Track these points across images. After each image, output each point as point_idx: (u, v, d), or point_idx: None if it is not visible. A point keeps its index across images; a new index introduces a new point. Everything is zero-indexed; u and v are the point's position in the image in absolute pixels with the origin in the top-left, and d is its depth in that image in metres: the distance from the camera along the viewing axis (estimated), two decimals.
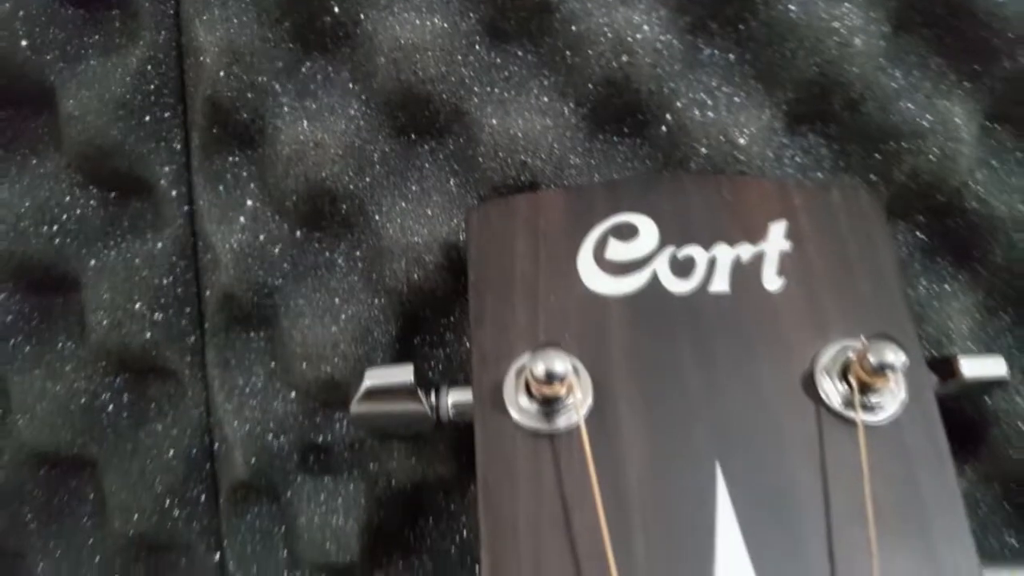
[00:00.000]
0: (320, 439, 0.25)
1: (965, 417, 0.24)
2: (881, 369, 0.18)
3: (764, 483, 0.17)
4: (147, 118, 0.25)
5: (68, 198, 0.25)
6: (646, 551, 0.17)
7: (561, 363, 0.17)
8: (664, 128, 0.24)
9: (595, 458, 0.18)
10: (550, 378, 0.17)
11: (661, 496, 0.17)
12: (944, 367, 0.20)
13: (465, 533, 0.25)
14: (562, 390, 0.18)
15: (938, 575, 0.17)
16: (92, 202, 0.25)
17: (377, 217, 0.24)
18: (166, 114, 0.25)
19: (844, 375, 0.18)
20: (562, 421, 0.18)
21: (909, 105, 0.23)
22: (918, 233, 0.25)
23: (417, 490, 0.25)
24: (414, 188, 0.25)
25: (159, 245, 0.25)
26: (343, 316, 0.24)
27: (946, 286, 0.24)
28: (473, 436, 0.19)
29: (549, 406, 0.18)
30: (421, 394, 0.20)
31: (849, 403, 0.18)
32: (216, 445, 0.25)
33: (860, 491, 0.17)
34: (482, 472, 0.18)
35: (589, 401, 0.18)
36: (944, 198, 0.24)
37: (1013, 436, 0.23)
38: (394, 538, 0.25)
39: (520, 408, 0.18)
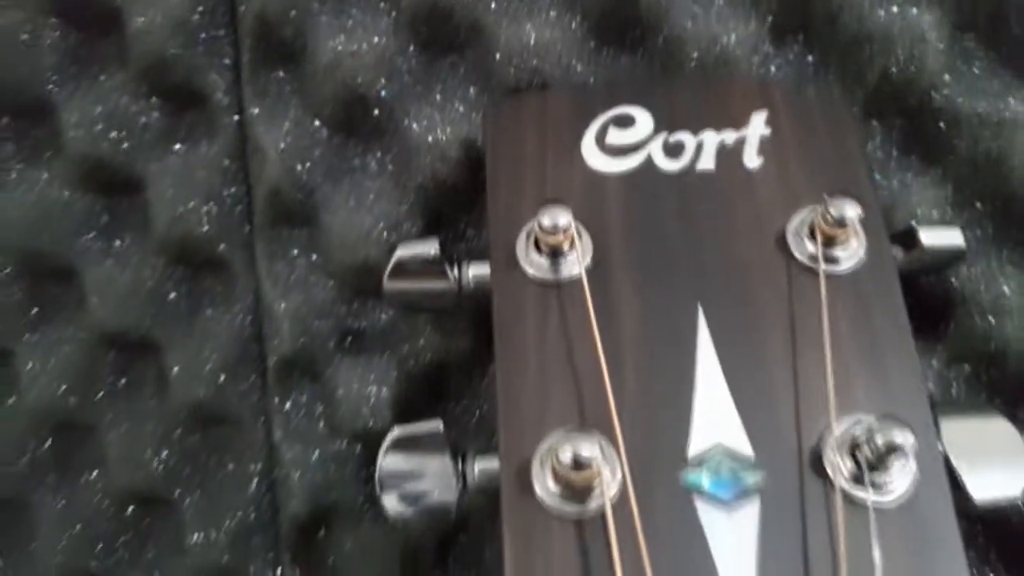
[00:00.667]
0: (356, 324, 0.29)
1: (934, 300, 0.27)
2: (841, 221, 0.20)
3: (739, 321, 0.20)
4: (203, 36, 0.28)
5: (134, 108, 0.28)
6: (637, 377, 0.20)
7: (564, 216, 0.20)
8: (661, 39, 0.27)
9: (594, 302, 0.20)
10: (555, 229, 0.20)
11: (651, 333, 0.20)
12: (906, 237, 0.23)
13: (484, 407, 0.29)
14: (565, 243, 0.21)
15: (886, 394, 0.19)
16: (155, 112, 0.29)
17: (405, 121, 0.27)
18: (220, 32, 0.29)
19: (811, 234, 0.21)
20: (566, 272, 0.21)
21: (881, 13, 0.25)
22: (893, 133, 0.27)
23: (442, 369, 0.28)
24: (438, 96, 0.27)
25: (213, 149, 0.29)
26: (376, 211, 0.27)
27: (917, 180, 0.27)
28: (491, 314, 0.22)
29: (555, 259, 0.21)
30: (446, 266, 0.23)
31: (814, 257, 0.21)
32: (264, 329, 0.29)
33: (820, 328, 0.20)
34: (498, 319, 0.21)
35: (589, 257, 0.21)
36: (915, 100, 0.26)
37: (977, 315, 0.26)
38: (421, 412, 0.28)
39: (531, 262, 0.21)
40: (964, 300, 0.27)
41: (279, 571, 0.29)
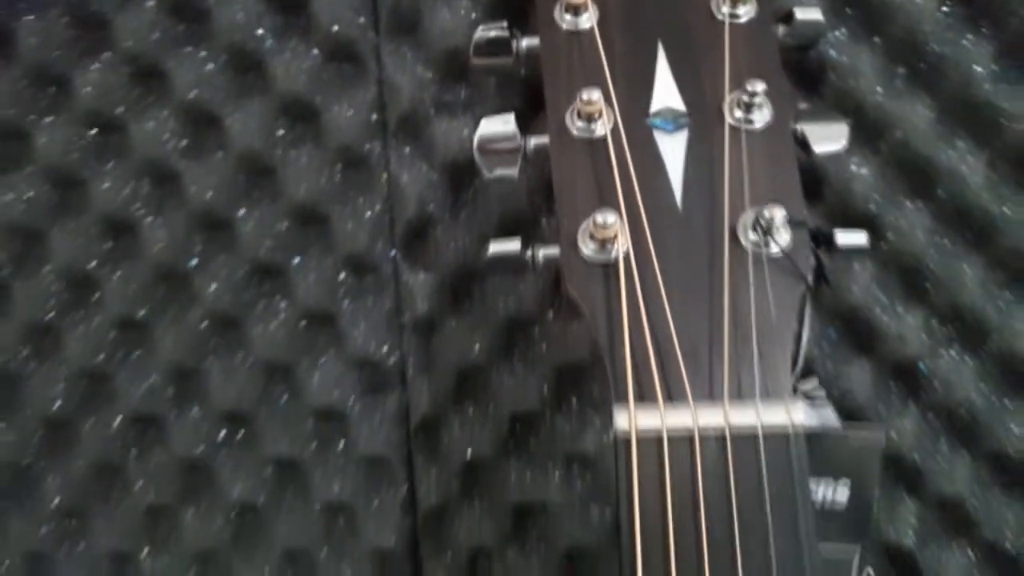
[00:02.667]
0: (447, 97, 0.43)
1: (810, 69, 0.41)
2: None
3: (687, 56, 0.34)
4: None
5: None
6: (627, 85, 0.34)
7: None
8: None
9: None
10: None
11: (624, 64, 0.34)
12: (784, 16, 0.36)
13: None
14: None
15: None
16: None
17: None
18: None
19: None
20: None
21: None
22: None
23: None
24: None
25: None
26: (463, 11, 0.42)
27: None
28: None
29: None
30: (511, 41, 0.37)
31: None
32: (386, 98, 0.43)
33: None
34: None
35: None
36: None
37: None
38: None
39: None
40: (833, 67, 0.41)
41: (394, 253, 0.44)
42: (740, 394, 0.26)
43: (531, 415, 0.44)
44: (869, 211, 0.41)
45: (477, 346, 0.44)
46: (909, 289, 0.42)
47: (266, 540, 0.46)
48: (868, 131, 0.41)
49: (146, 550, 0.46)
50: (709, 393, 0.26)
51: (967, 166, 0.41)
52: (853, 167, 0.42)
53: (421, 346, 0.44)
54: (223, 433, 0.46)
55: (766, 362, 0.27)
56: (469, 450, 0.44)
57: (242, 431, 0.46)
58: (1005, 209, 0.41)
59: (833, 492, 0.32)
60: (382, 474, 0.46)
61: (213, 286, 0.45)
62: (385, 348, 0.45)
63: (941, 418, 0.42)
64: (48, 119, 0.46)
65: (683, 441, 0.25)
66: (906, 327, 0.41)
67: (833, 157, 0.36)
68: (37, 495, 0.46)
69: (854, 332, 0.42)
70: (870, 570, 0.33)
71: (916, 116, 0.41)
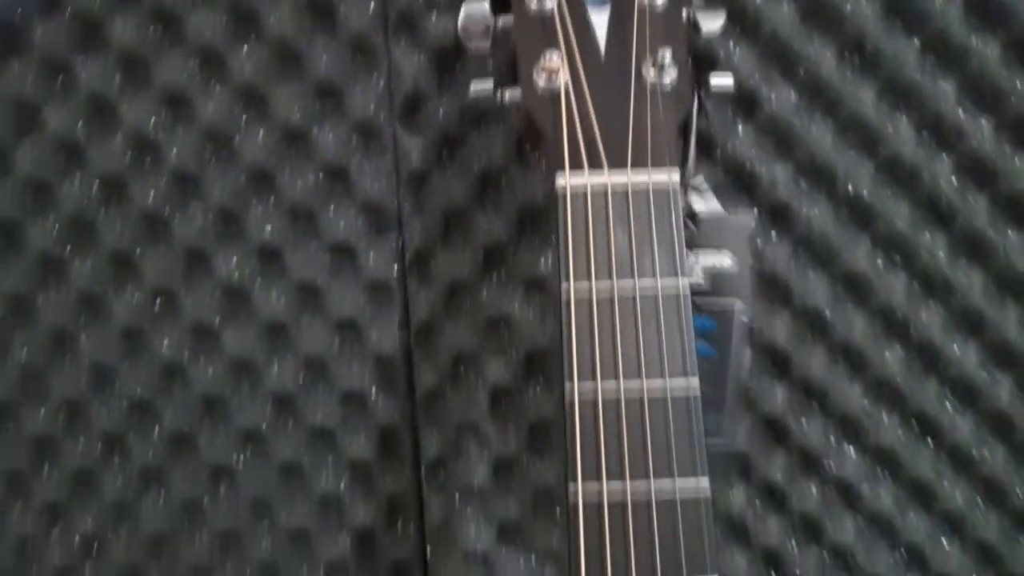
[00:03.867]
0: None
1: None
2: None
3: None
4: None
5: None
6: None
7: None
8: None
9: None
10: None
11: None
12: None
13: None
14: None
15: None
16: None
17: None
18: None
19: None
20: None
21: None
22: None
23: None
24: None
25: None
26: None
27: None
28: None
29: None
30: None
31: None
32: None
33: None
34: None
35: None
36: None
37: None
38: None
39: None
40: None
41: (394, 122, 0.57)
42: (639, 164, 0.39)
43: (501, 245, 0.57)
44: (750, 86, 0.55)
45: (459, 193, 0.57)
46: (781, 147, 0.56)
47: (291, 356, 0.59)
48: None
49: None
50: (620, 163, 0.39)
51: (823, 55, 0.55)
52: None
53: (415, 194, 0.57)
54: (255, 264, 0.59)
55: (657, 151, 0.40)
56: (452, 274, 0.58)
57: (274, 262, 0.59)
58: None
59: (719, 260, 0.45)
60: (383, 295, 0.59)
61: (253, 147, 0.57)
62: (386, 196, 0.57)
63: (801, 244, 0.57)
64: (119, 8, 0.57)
65: (599, 196, 0.39)
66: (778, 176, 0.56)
67: (721, 42, 0.50)
68: None
69: (738, 179, 0.56)
70: (745, 319, 0.47)
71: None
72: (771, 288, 0.57)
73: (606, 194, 0.39)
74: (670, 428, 0.37)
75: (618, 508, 0.37)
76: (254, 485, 0.61)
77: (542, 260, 0.58)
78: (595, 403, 0.37)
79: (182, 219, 0.58)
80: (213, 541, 0.62)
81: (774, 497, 0.60)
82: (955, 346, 0.58)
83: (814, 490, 0.60)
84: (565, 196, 0.39)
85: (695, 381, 0.37)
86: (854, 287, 0.57)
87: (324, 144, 0.57)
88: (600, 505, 0.37)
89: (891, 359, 0.58)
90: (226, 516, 0.62)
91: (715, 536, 0.43)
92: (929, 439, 0.59)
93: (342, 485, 0.61)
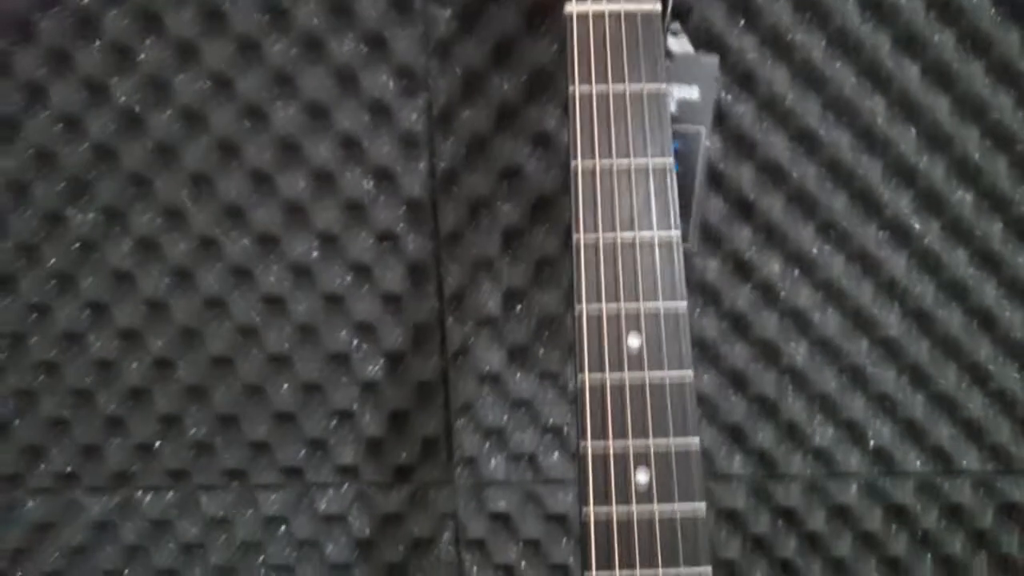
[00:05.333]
0: None
1: None
2: None
3: None
4: None
5: None
6: None
7: None
8: None
9: None
10: None
11: None
12: None
13: None
14: None
15: None
16: None
17: None
18: None
19: None
20: None
21: None
22: None
23: None
24: None
25: None
26: None
27: None
28: None
29: None
30: None
31: None
32: None
33: None
34: None
35: None
36: None
37: None
38: None
39: None
40: None
41: None
42: None
43: (514, 105, 0.68)
44: None
45: (481, 59, 0.67)
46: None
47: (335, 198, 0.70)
48: None
49: None
50: None
51: None
52: None
53: (442, 60, 0.68)
54: (306, 119, 0.69)
55: None
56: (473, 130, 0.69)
57: (322, 118, 0.69)
58: None
59: (688, 92, 0.56)
60: (412, 147, 0.69)
61: (307, 17, 0.67)
62: (418, 60, 0.68)
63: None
64: None
65: (599, 19, 0.50)
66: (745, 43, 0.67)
67: None
68: None
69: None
70: (707, 143, 0.58)
71: None
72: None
73: (604, 18, 0.49)
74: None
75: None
76: (303, 313, 0.72)
77: (551, 120, 0.68)
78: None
79: (244, 80, 0.68)
80: (265, 363, 0.73)
81: (739, 324, 0.72)
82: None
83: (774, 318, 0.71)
84: (572, 19, 0.49)
85: (670, 160, 0.48)
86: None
87: (365, 14, 0.67)
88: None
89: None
90: (277, 340, 0.72)
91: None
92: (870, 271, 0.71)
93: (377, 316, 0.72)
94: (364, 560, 0.77)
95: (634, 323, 0.47)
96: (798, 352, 0.72)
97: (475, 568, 0.76)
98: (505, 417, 0.74)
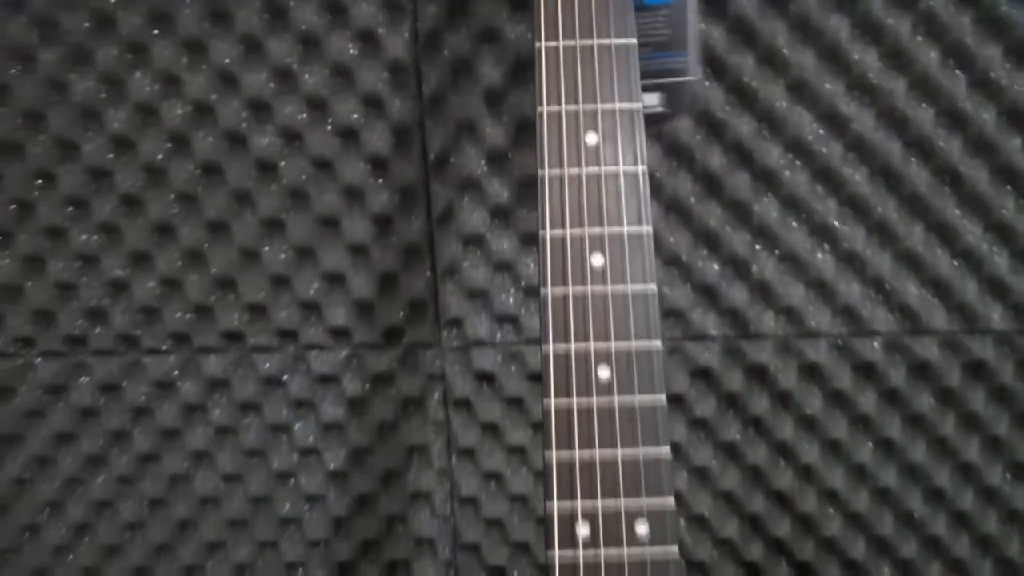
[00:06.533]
0: None
1: None
2: None
3: None
4: None
5: None
6: None
7: None
8: None
9: None
10: None
11: None
12: None
13: None
14: None
15: None
16: None
17: None
18: None
19: None
20: None
21: None
22: None
23: None
24: None
25: None
26: None
27: None
28: None
29: None
30: None
31: None
32: None
33: None
34: None
35: None
36: None
37: None
38: None
39: None
40: None
41: None
42: None
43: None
44: None
45: None
46: None
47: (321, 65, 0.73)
48: None
49: None
50: None
51: None
52: None
53: None
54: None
55: None
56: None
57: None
58: None
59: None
60: (397, 8, 0.72)
61: None
62: None
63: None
64: None
65: None
66: None
67: None
68: None
69: None
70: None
71: None
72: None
73: None
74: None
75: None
76: (295, 176, 0.75)
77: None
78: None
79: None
80: (260, 226, 0.76)
81: (713, 185, 0.74)
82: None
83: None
84: None
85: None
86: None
87: None
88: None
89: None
90: (270, 204, 0.76)
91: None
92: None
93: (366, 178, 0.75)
94: (357, 419, 0.81)
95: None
96: (769, 212, 0.74)
97: (462, 426, 0.80)
98: (489, 279, 0.77)
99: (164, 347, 0.79)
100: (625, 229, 0.47)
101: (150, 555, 0.84)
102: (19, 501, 0.83)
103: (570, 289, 0.47)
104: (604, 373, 0.46)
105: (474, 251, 0.77)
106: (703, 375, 0.78)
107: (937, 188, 0.73)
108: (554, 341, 0.47)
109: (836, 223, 0.74)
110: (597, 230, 0.47)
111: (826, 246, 0.75)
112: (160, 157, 0.75)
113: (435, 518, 0.81)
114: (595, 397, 0.46)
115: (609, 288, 0.47)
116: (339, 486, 0.81)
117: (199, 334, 0.79)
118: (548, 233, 0.47)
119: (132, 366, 0.80)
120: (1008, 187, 0.73)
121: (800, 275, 0.76)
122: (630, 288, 0.47)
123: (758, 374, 0.77)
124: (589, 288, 0.47)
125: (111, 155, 0.75)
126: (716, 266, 0.76)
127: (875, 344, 0.76)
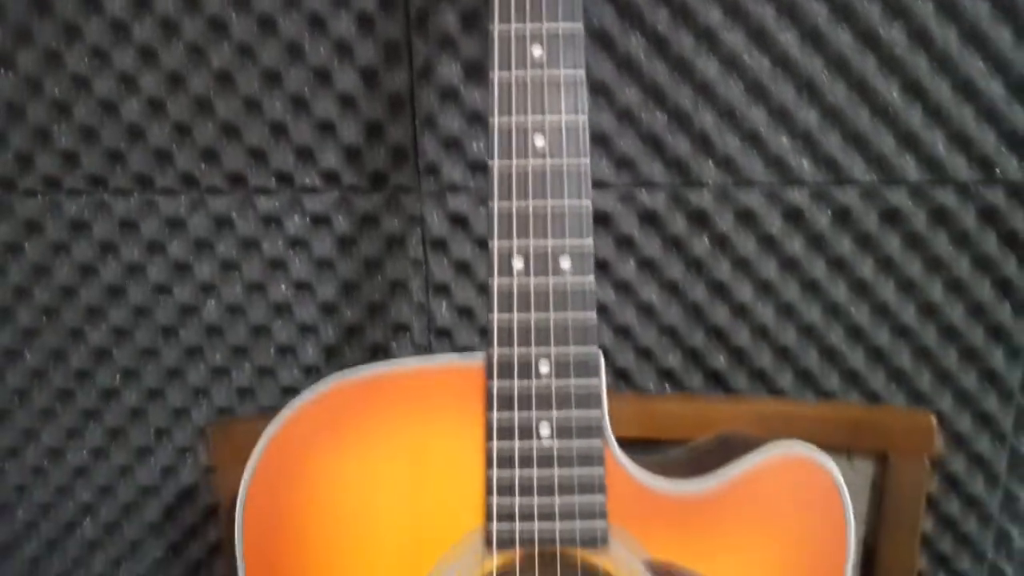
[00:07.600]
0: None
1: None
2: None
3: None
4: None
5: None
6: None
7: None
8: None
9: None
10: None
11: None
12: None
13: None
14: None
15: None
16: None
17: None
18: None
19: None
20: None
21: None
22: None
23: None
24: None
25: None
26: None
27: None
28: None
29: None
30: None
31: None
32: None
33: None
34: None
35: None
36: None
37: None
38: None
39: None
40: None
41: None
42: None
43: None
44: None
45: None
46: None
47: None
48: None
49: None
50: None
51: None
52: None
53: None
54: None
55: None
56: None
57: None
58: None
59: None
60: None
61: None
62: None
63: None
64: None
65: None
66: None
67: None
68: None
69: None
70: None
71: None
72: None
73: None
74: None
75: None
76: (290, 31, 0.85)
77: None
78: None
79: None
80: (260, 77, 0.86)
81: (660, 44, 0.84)
82: None
83: None
84: None
85: None
86: None
87: None
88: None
89: None
90: (270, 56, 0.86)
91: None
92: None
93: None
94: (346, 257, 0.92)
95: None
96: (709, 69, 0.84)
97: (438, 264, 0.91)
98: (464, 130, 0.87)
99: (175, 188, 0.90)
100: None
101: (162, 378, 0.96)
102: (46, 329, 0.95)
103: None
104: (539, 142, 0.57)
105: (451, 104, 0.87)
106: (650, 219, 0.88)
107: (859, 49, 0.83)
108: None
109: (767, 81, 0.84)
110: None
111: (759, 101, 0.85)
112: (173, 10, 0.85)
113: (413, 346, 0.93)
114: (530, 159, 0.57)
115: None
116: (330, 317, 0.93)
117: (207, 177, 0.90)
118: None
119: (147, 205, 0.91)
120: (922, 49, 0.82)
121: (736, 128, 0.85)
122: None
123: (698, 219, 0.88)
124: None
125: (130, 12, 0.85)
126: (662, 117, 0.86)
127: (801, 193, 0.86)
